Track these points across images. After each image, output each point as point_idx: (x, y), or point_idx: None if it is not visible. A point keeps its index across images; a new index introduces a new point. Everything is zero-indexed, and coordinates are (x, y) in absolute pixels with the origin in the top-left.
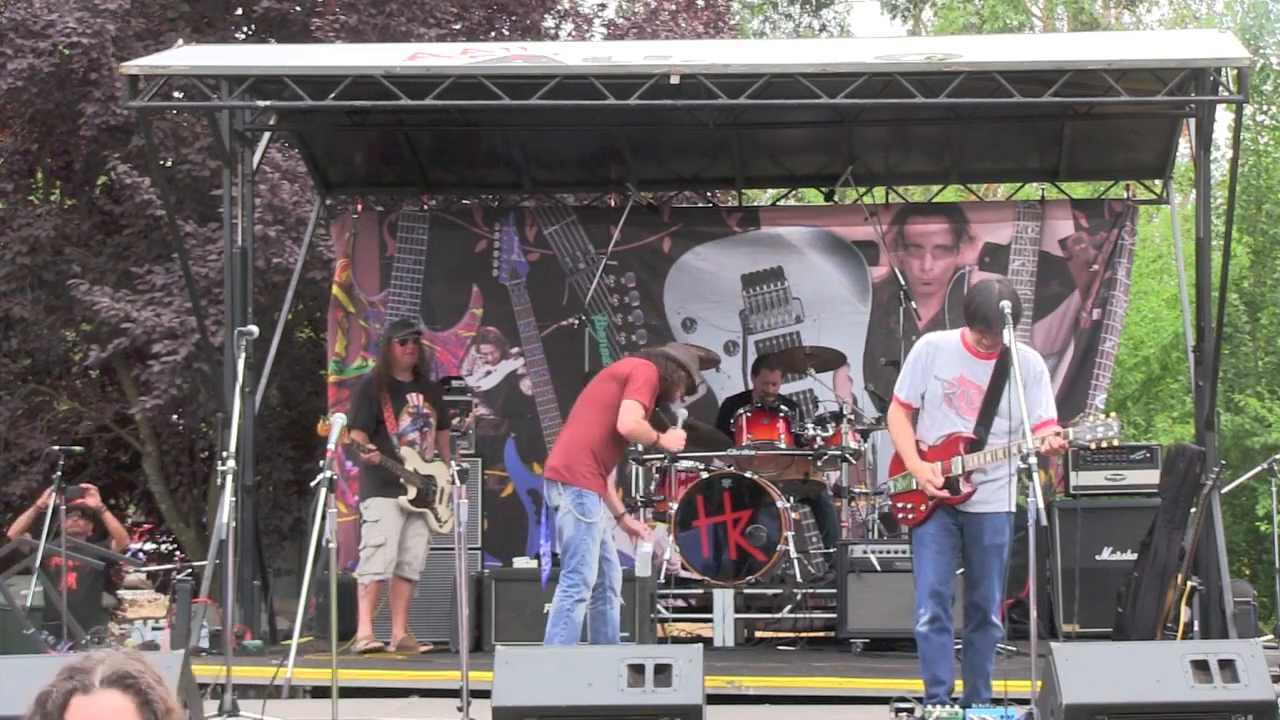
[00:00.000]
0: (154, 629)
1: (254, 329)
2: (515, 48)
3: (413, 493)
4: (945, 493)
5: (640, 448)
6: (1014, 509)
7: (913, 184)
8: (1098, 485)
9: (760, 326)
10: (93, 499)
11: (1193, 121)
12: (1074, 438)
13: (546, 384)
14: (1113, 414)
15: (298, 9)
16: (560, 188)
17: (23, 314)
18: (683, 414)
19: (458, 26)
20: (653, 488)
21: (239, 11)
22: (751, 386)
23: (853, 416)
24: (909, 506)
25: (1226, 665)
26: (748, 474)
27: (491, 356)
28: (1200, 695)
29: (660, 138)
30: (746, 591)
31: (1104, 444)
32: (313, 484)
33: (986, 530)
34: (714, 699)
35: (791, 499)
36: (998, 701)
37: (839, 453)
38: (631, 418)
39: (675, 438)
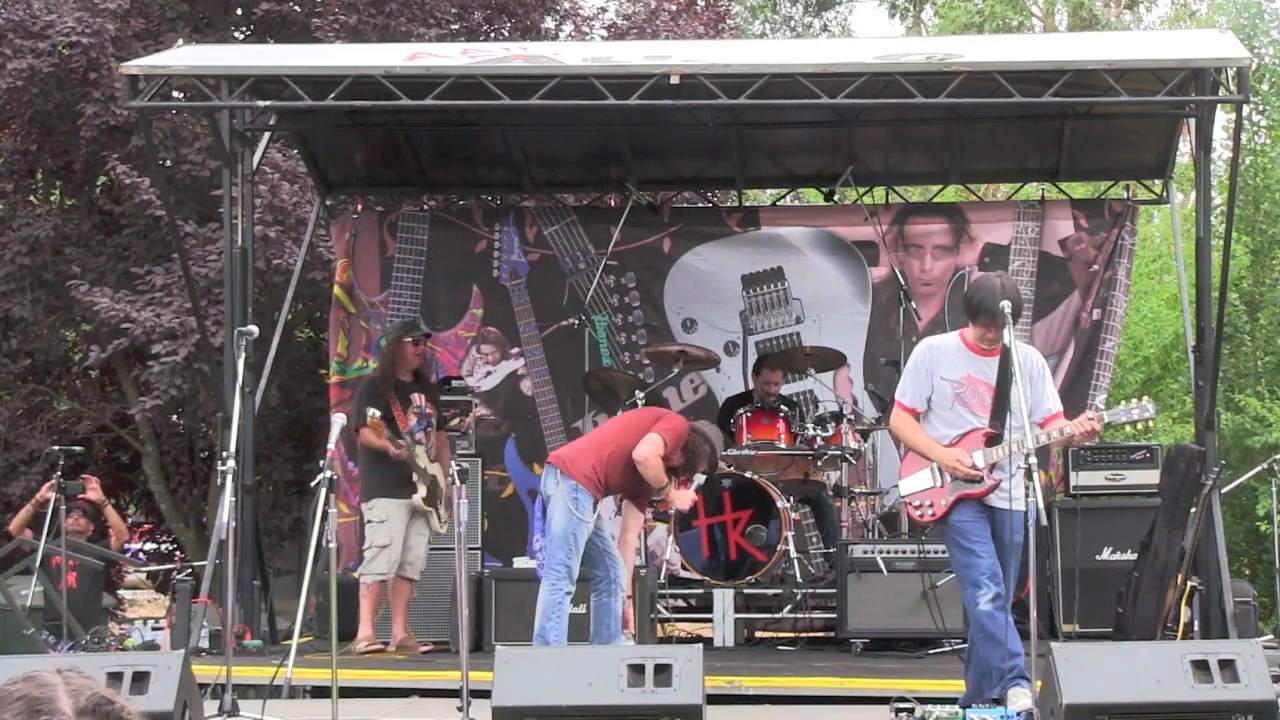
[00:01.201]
0: (154, 629)
1: (254, 329)
2: (515, 48)
3: (423, 490)
4: (977, 472)
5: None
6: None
7: (913, 184)
8: (1098, 485)
9: (760, 327)
10: (94, 492)
11: (1192, 121)
12: (1109, 419)
13: (547, 384)
14: (1146, 396)
15: (298, 9)
16: (560, 188)
17: (23, 314)
18: (698, 479)
19: (457, 27)
20: None
21: (239, 12)
22: (752, 387)
23: (853, 416)
24: (926, 503)
25: (1226, 665)
26: (748, 474)
27: (492, 357)
28: (1200, 695)
29: (660, 138)
30: (746, 591)
31: (1139, 425)
32: (313, 484)
33: (1008, 527)
34: (714, 699)
35: (791, 499)
36: (998, 701)
37: (839, 453)
38: (650, 448)
39: (685, 497)
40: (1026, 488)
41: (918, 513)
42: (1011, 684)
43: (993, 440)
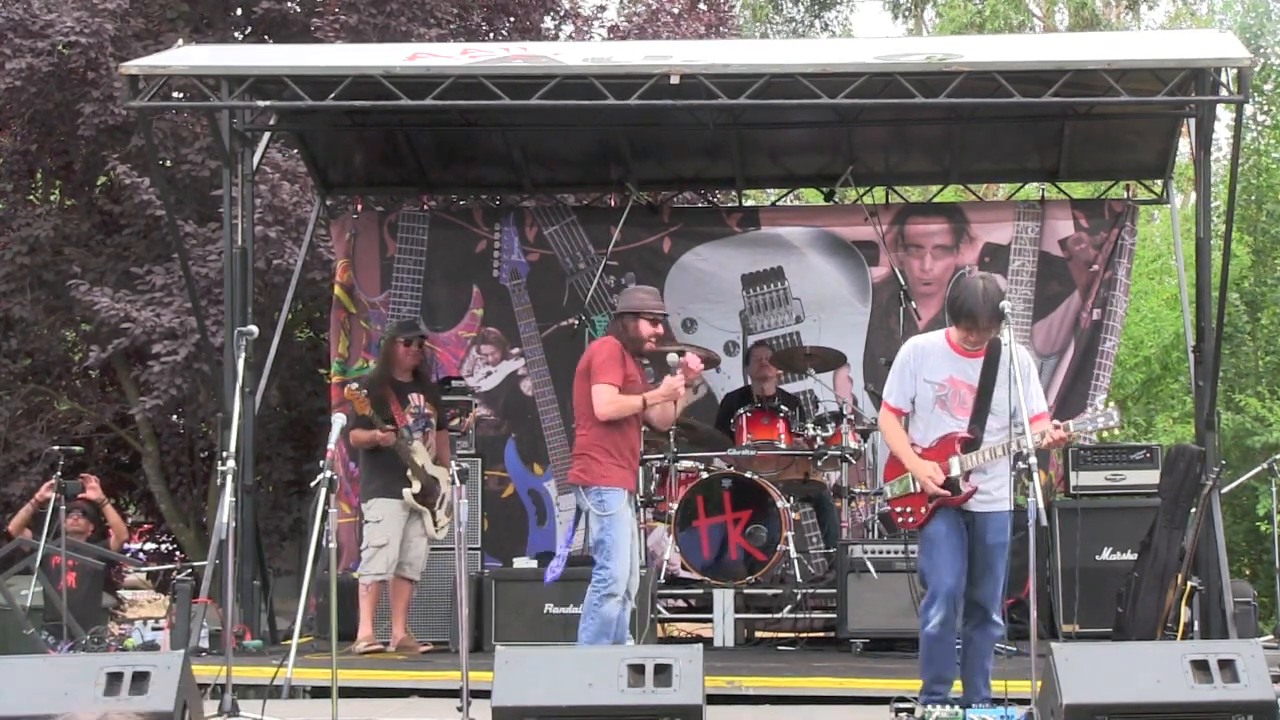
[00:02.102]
0: (154, 629)
1: (254, 329)
2: (515, 48)
3: (417, 487)
4: (946, 491)
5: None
6: (1014, 507)
7: (913, 184)
8: (1098, 485)
9: (760, 327)
10: (94, 490)
11: (1193, 121)
12: (1075, 429)
13: (547, 384)
14: (1112, 403)
15: (298, 9)
16: (560, 188)
17: (23, 314)
18: (693, 359)
19: (456, 26)
20: (653, 488)
21: (238, 12)
22: (749, 380)
23: (853, 416)
24: (908, 510)
25: (1226, 665)
26: (748, 474)
27: (492, 357)
28: (1200, 695)
29: (660, 138)
30: (746, 591)
31: (1105, 433)
32: (313, 484)
33: (990, 529)
34: (714, 699)
35: (791, 499)
36: (998, 701)
37: (839, 453)
38: (602, 401)
39: (672, 382)
40: (1027, 488)
41: (899, 519)
42: (928, 703)
43: (969, 445)
